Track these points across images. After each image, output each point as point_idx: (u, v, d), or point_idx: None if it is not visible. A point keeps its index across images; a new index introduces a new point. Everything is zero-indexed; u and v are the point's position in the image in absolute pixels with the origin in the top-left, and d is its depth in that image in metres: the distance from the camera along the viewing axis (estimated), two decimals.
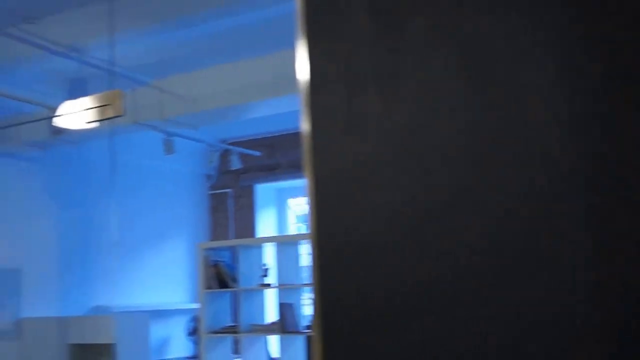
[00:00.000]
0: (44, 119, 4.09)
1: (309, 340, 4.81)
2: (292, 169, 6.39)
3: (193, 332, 6.05)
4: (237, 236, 6.49)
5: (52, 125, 4.24)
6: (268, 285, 4.74)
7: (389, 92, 0.78)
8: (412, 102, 0.76)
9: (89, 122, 2.69)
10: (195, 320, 6.07)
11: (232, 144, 6.07)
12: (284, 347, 4.58)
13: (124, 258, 6.03)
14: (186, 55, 4.79)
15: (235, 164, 5.83)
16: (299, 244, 4.78)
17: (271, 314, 5.15)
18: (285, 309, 4.54)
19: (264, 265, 4.80)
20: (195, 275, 6.62)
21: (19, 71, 4.86)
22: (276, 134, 6.42)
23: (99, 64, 4.67)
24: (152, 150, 5.90)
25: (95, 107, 2.65)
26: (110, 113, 2.61)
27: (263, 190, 6.70)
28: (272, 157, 6.46)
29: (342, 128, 0.80)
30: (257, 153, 6.16)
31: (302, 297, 4.76)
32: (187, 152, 6.55)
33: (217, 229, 6.76)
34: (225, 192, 6.75)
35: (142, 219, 6.12)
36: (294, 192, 6.73)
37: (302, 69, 0.83)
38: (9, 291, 5.21)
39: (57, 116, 4.10)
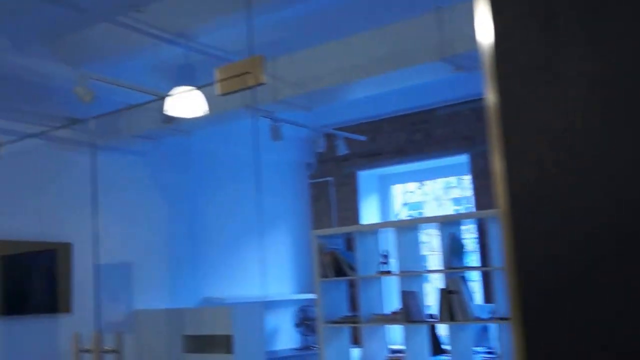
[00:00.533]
0: (160, 98, 3.99)
1: (432, 329, 4.59)
2: (395, 154, 6.16)
3: (301, 324, 5.91)
4: (340, 225, 6.30)
5: (164, 115, 4.15)
6: (388, 273, 4.53)
7: (603, 49, 0.58)
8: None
9: (225, 94, 2.52)
10: (303, 311, 5.92)
11: (335, 129, 5.89)
12: (408, 337, 4.36)
13: (229, 249, 5.94)
14: (288, 37, 4.64)
15: (342, 149, 5.63)
16: (419, 229, 4.55)
17: (390, 303, 4.94)
18: (408, 297, 4.32)
19: (384, 251, 4.59)
20: (300, 265, 6.50)
21: (126, 61, 4.81)
22: (376, 119, 6.21)
23: (206, 50, 4.56)
24: (253, 138, 5.78)
25: (233, 77, 2.47)
26: (251, 81, 2.43)
27: (365, 177, 6.50)
28: (374, 142, 6.25)
29: (541, 96, 0.62)
30: (363, 138, 5.95)
31: (424, 285, 4.53)
32: (288, 140, 6.42)
33: (319, 219, 6.60)
34: (326, 181, 6.58)
35: (245, 210, 6.01)
36: (398, 179, 6.50)
37: (484, 28, 0.68)
38: (121, 285, 5.18)
39: (167, 103, 4.01)
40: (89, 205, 4.61)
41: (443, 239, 4.25)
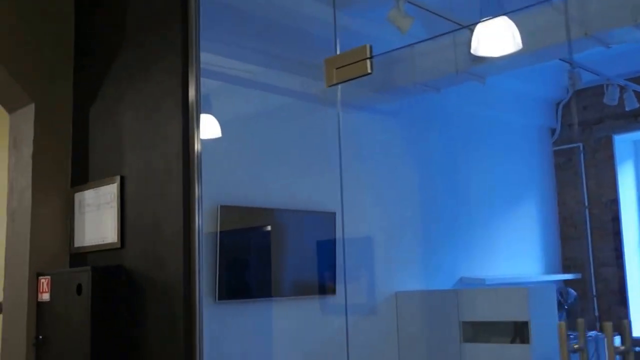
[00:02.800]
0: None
1: None
2: None
3: (562, 308, 5.24)
4: (591, 198, 5.56)
5: (470, 54, 3.56)
6: None
7: None
8: None
9: None
10: (564, 293, 5.25)
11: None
12: None
13: (480, 223, 5.35)
14: None
15: (631, 103, 4.87)
16: None
17: None
18: None
19: None
20: (548, 242, 5.84)
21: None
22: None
23: None
24: (491, 99, 5.16)
25: None
26: None
27: (619, 142, 5.70)
28: None
29: None
30: None
31: None
32: (531, 101, 5.73)
33: (564, 190, 5.88)
34: (573, 147, 5.85)
35: (486, 179, 5.40)
36: None
37: None
38: (367, 262, 4.72)
39: (474, 38, 3.43)
40: (329, 171, 4.17)
41: None
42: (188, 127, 2.77)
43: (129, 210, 3.00)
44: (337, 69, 2.23)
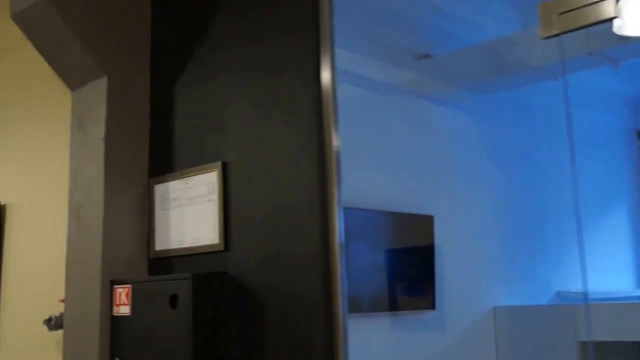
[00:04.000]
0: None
1: None
2: None
3: None
4: None
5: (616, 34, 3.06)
6: None
7: None
8: None
9: None
10: None
11: None
12: None
13: (564, 232, 4.82)
14: None
15: None
16: None
17: None
18: None
19: None
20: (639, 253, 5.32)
21: None
22: None
23: None
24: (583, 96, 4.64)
25: None
26: None
27: None
28: None
29: None
30: None
31: None
32: (613, 100, 5.24)
33: None
34: None
35: (573, 185, 4.87)
36: None
37: None
38: (460, 272, 4.15)
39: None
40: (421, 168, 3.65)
41: None
42: (321, 111, 2.22)
43: (236, 205, 2.43)
44: (560, 14, 1.69)
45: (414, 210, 3.73)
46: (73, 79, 2.81)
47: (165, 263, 2.66)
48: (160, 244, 2.68)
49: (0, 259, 3.51)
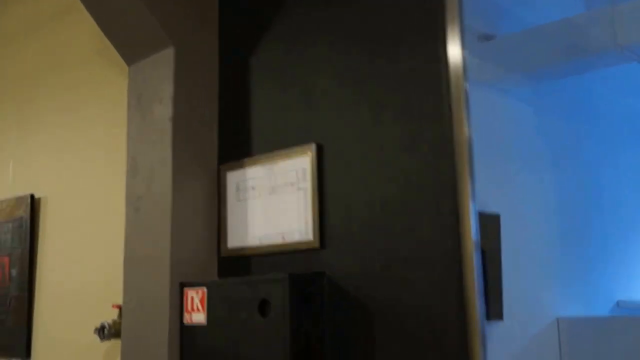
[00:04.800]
0: None
1: None
2: None
3: None
4: None
5: None
6: None
7: None
8: None
9: None
10: None
11: None
12: None
13: (626, 237, 4.46)
14: None
15: None
16: None
17: None
18: None
19: None
20: None
21: None
22: None
23: None
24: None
25: None
26: None
27: None
28: None
29: None
30: None
31: None
32: None
33: None
34: None
35: (635, 186, 4.53)
36: None
37: None
38: (524, 278, 3.79)
39: None
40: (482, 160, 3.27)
41: None
42: (448, 92, 1.86)
43: (334, 195, 2.06)
44: None
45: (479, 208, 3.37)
46: (133, 50, 2.44)
47: (240, 263, 2.29)
48: (234, 241, 2.31)
49: (33, 259, 3.12)
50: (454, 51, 1.85)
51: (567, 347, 3.52)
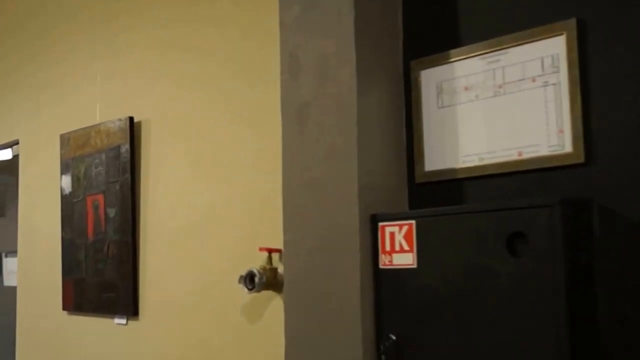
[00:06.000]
0: None
1: None
2: None
3: None
4: None
5: None
6: None
7: None
8: None
9: None
10: None
11: None
12: None
13: None
14: None
15: None
16: None
17: None
18: None
19: None
20: None
21: None
22: None
23: None
24: None
25: None
26: None
27: None
28: None
29: None
30: None
31: None
32: None
33: None
34: None
35: None
36: None
37: None
38: None
39: None
40: None
41: None
42: None
43: (605, 89, 1.46)
44: None
45: None
46: None
47: (444, 190, 1.71)
48: (435, 162, 1.74)
49: (135, 196, 2.58)
50: None
51: None
